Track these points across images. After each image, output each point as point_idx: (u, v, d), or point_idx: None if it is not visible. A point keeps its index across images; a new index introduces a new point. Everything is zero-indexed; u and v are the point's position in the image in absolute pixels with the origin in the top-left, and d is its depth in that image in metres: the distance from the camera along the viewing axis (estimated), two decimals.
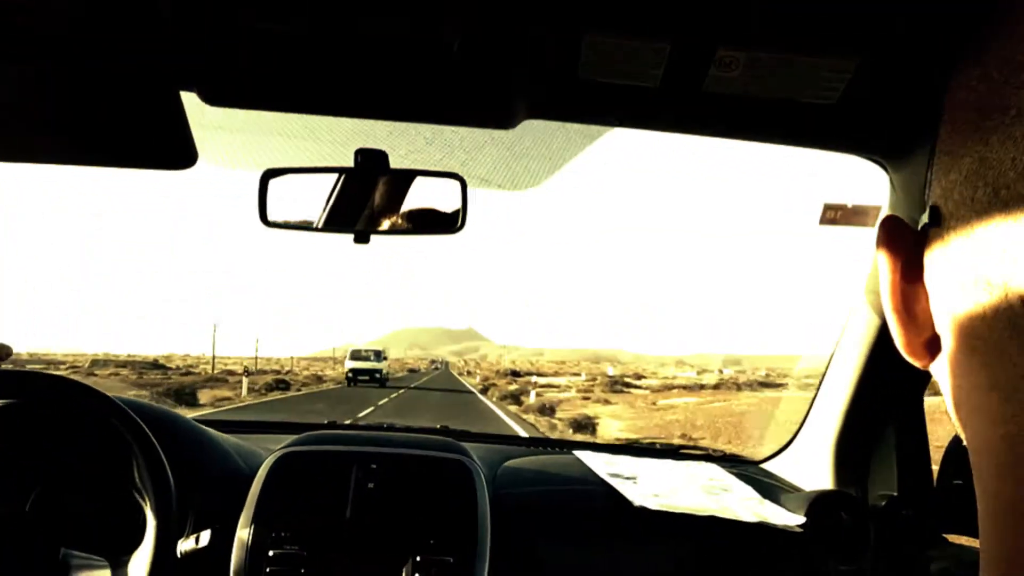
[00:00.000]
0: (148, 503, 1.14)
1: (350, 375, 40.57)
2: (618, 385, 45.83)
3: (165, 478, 1.14)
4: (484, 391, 36.32)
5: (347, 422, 2.05)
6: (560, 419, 20.96)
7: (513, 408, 24.36)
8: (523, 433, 12.69)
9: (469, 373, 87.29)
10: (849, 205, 1.25)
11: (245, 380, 30.64)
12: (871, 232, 1.29)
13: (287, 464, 1.39)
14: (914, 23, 0.85)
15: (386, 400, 25.50)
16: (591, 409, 25.57)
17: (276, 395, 29.10)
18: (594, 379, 56.08)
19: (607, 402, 29.87)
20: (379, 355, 43.10)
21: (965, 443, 0.36)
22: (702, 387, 48.49)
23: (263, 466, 1.38)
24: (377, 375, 40.46)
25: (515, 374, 70.22)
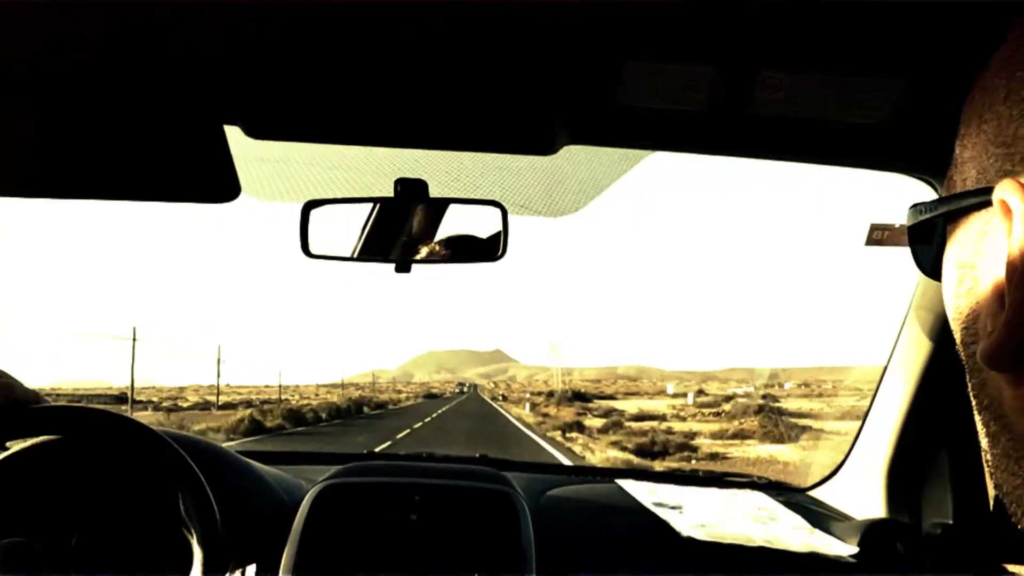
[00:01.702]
0: (194, 538, 1.14)
1: None
2: (768, 413, 28.16)
3: (211, 512, 1.14)
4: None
5: (386, 451, 2.03)
6: None
7: None
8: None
9: (505, 398, 73.28)
10: (897, 225, 1.22)
11: None
12: None
13: (329, 496, 1.38)
14: (962, 38, 0.83)
15: None
16: None
17: None
18: (719, 408, 37.63)
19: None
20: None
21: None
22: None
23: (306, 499, 1.38)
24: None
25: (581, 398, 55.28)
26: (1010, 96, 0.40)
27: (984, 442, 0.43)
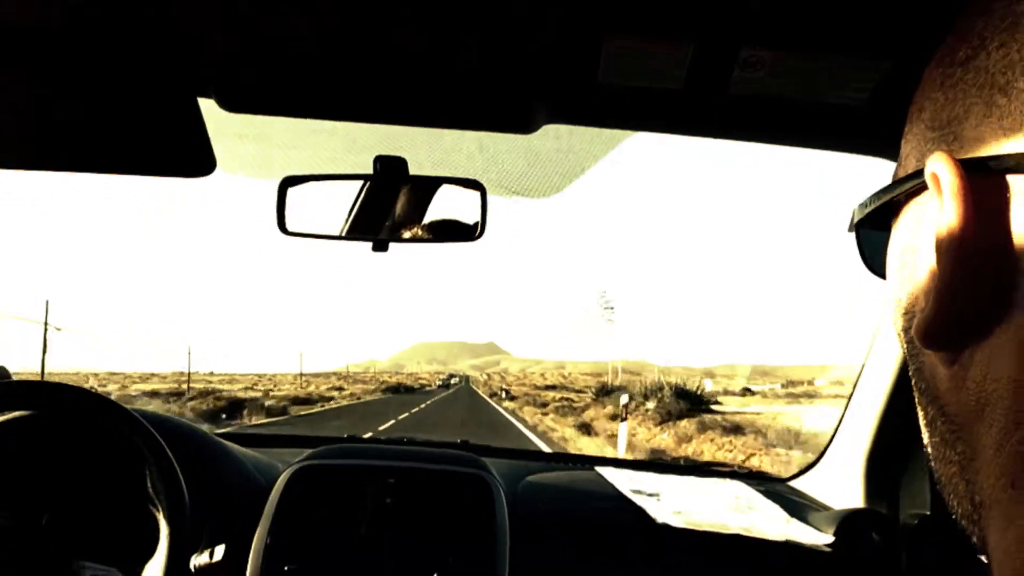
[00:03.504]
0: (161, 514, 1.13)
1: None
2: None
3: (179, 489, 1.13)
4: None
5: (367, 436, 2.03)
6: None
7: None
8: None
9: (510, 395, 50.90)
10: None
11: None
12: None
13: (304, 478, 1.37)
14: (950, 18, 0.82)
15: None
16: None
17: None
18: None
19: None
20: None
21: None
22: None
23: (279, 480, 1.36)
24: None
25: (692, 399, 24.96)
26: (944, 82, 0.40)
27: (924, 433, 0.42)
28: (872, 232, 0.47)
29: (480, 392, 60.24)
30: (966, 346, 0.36)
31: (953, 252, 0.35)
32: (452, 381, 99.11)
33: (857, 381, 1.53)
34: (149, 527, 1.19)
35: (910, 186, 0.41)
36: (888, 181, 0.47)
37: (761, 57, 0.90)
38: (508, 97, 1.02)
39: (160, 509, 1.13)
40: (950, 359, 0.37)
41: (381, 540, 1.31)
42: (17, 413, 1.22)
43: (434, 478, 1.39)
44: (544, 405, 35.02)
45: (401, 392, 59.35)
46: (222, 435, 1.65)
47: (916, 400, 0.43)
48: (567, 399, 40.39)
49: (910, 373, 0.43)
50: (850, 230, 0.49)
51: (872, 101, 0.96)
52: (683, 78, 0.95)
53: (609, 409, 25.81)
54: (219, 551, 1.20)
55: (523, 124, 1.05)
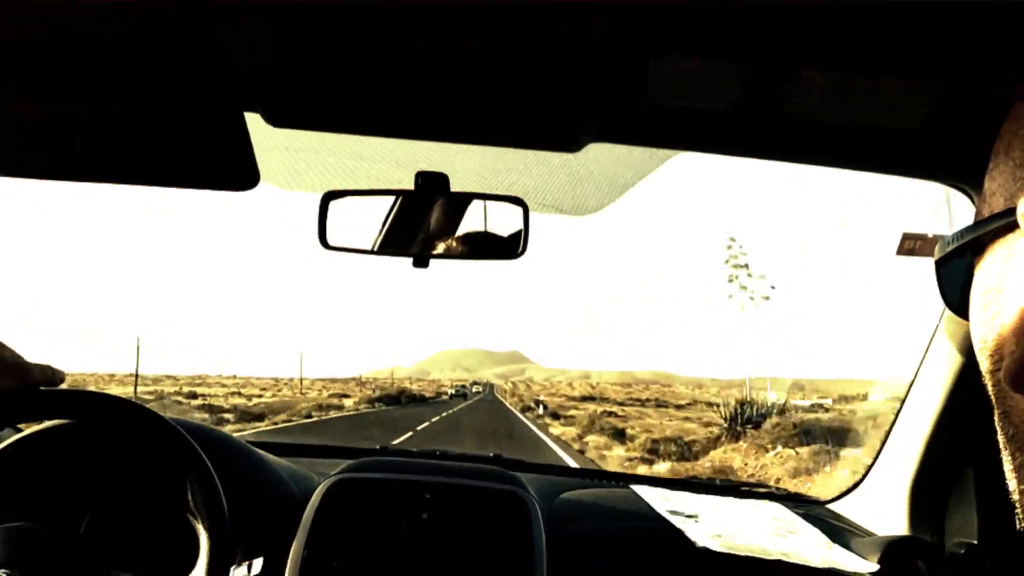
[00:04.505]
0: (202, 527, 1.13)
1: None
2: None
3: (219, 502, 1.13)
4: None
5: (399, 448, 2.03)
6: None
7: None
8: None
9: (547, 409, 34.37)
10: (930, 235, 1.18)
11: None
12: None
13: (340, 491, 1.37)
14: (1005, 41, 0.79)
15: None
16: None
17: None
18: None
19: None
20: None
21: None
22: None
23: (316, 492, 1.37)
24: None
25: None
26: None
27: (1011, 480, 0.41)
28: (953, 268, 0.46)
29: (507, 404, 45.64)
30: None
31: None
32: (474, 389, 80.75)
33: (903, 403, 1.50)
34: (188, 538, 1.19)
35: (997, 226, 0.40)
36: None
37: (813, 79, 0.89)
38: (555, 116, 1.01)
39: (200, 521, 1.13)
40: None
41: (417, 555, 1.30)
42: (57, 421, 1.23)
43: (471, 494, 1.38)
44: (623, 436, 19.01)
45: (402, 404, 41.35)
46: (254, 443, 1.66)
47: (1002, 447, 0.42)
48: (627, 419, 27.15)
49: (995, 417, 0.42)
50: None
51: (926, 125, 0.93)
52: (733, 99, 0.94)
53: (784, 455, 12.78)
54: (257, 564, 1.20)
55: (570, 143, 1.04)
